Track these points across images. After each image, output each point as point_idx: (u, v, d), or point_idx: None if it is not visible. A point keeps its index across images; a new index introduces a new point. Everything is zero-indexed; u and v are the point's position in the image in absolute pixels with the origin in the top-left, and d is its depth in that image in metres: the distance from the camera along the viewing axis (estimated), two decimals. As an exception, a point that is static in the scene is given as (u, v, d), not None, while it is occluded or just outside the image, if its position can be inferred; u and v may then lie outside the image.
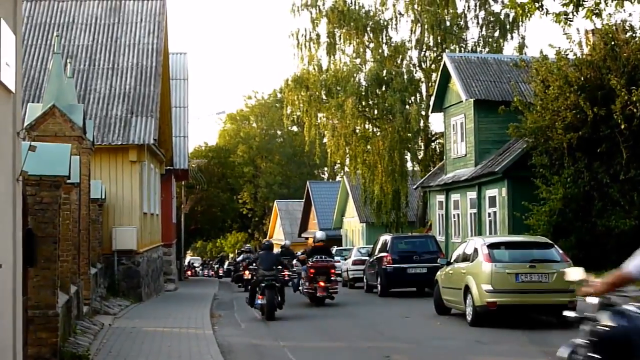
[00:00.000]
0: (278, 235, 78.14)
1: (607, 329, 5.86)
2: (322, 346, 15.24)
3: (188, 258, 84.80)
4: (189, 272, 68.81)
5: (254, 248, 48.42)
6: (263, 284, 19.86)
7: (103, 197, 23.27)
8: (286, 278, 22.55)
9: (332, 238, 62.00)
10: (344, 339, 15.89)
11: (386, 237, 29.04)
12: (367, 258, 31.08)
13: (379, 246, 29.12)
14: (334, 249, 44.19)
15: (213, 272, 60.89)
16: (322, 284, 22.93)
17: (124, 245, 25.39)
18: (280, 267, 20.77)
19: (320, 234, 25.57)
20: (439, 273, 20.25)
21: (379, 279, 27.67)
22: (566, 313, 6.94)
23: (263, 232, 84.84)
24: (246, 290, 25.91)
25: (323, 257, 23.48)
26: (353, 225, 59.04)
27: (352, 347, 14.76)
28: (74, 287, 15.55)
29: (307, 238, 72.44)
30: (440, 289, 19.70)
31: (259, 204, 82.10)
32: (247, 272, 27.77)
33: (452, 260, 19.46)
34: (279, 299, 20.04)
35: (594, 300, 6.08)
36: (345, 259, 37.29)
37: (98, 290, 22.38)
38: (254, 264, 21.66)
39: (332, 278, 23.10)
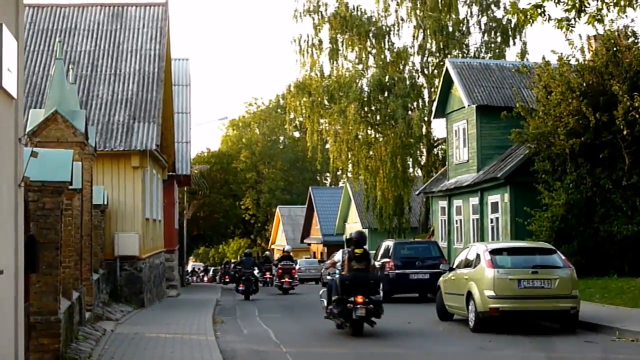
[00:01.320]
0: (280, 241, 78.11)
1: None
2: (326, 352, 15.22)
3: (190, 264, 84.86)
4: (194, 279, 68.82)
5: (255, 254, 50.54)
6: (244, 277, 32.25)
7: (105, 203, 23.27)
8: (267, 278, 37.74)
9: (334, 244, 62.26)
10: (348, 344, 15.85)
11: (389, 243, 29.07)
12: (369, 264, 30.99)
13: (381, 252, 29.16)
14: (337, 254, 44.16)
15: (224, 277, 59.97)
16: (287, 279, 35.24)
17: (126, 251, 25.39)
18: (255, 267, 33.00)
19: (287, 247, 39.91)
20: (441, 279, 20.25)
21: (381, 285, 27.64)
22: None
23: (265, 238, 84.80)
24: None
25: (288, 262, 36.13)
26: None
27: (355, 353, 14.73)
28: (76, 293, 15.54)
29: (309, 244, 72.59)
30: (443, 294, 19.70)
31: (262, 209, 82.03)
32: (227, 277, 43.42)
33: (454, 266, 19.44)
34: (254, 287, 32.40)
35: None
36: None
37: (100, 296, 22.37)
38: (239, 266, 34.68)
39: (294, 276, 36.04)
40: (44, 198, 11.65)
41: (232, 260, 64.91)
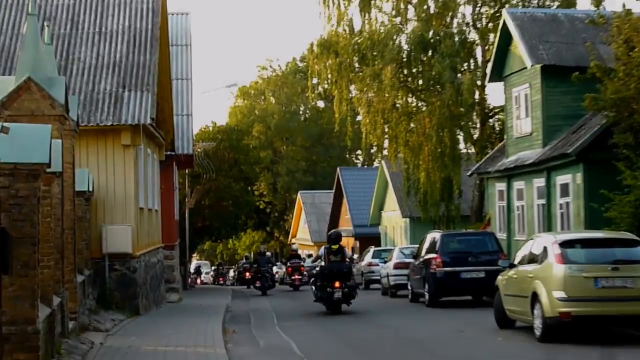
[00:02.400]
0: (303, 235, 78.33)
1: None
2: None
3: (194, 263, 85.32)
4: (198, 281, 69.44)
5: (272, 251, 55.87)
6: (259, 275, 41.91)
7: (90, 189, 23.37)
8: (296, 280, 45.28)
9: (368, 236, 62.33)
10: (384, 358, 15.88)
11: (435, 235, 29.06)
12: (411, 260, 31.16)
13: (426, 246, 29.17)
14: (371, 249, 44.47)
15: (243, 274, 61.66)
16: (297, 276, 44.95)
17: (116, 247, 25.49)
18: (270, 264, 43.73)
19: (294, 246, 52.22)
20: (499, 278, 20.25)
21: (426, 286, 27.74)
22: None
23: (284, 230, 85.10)
24: (248, 288, 48.54)
25: (296, 260, 46.40)
26: (394, 221, 59.03)
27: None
28: (57, 298, 15.65)
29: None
30: (502, 297, 19.70)
31: (279, 196, 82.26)
32: (247, 274, 50.73)
33: (516, 262, 19.43)
34: (269, 283, 42.20)
35: None
36: (385, 262, 37.35)
37: (86, 301, 22.52)
38: (254, 264, 44.86)
39: (303, 272, 44.82)
40: (17, 184, 11.71)
41: (245, 258, 65.57)
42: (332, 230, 30.32)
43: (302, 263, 46.43)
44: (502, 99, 36.23)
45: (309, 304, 29.40)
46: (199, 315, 26.09)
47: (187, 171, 51.13)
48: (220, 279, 76.30)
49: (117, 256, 25.66)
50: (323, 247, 29.11)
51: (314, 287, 27.52)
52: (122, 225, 25.62)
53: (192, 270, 71.98)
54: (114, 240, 25.48)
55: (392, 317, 24.41)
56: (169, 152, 34.96)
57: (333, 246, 27.14)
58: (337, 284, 26.05)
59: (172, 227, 37.67)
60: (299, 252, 49.92)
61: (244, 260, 60.68)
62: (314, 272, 28.69)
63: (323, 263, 27.24)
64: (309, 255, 47.77)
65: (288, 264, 47.12)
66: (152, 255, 29.92)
